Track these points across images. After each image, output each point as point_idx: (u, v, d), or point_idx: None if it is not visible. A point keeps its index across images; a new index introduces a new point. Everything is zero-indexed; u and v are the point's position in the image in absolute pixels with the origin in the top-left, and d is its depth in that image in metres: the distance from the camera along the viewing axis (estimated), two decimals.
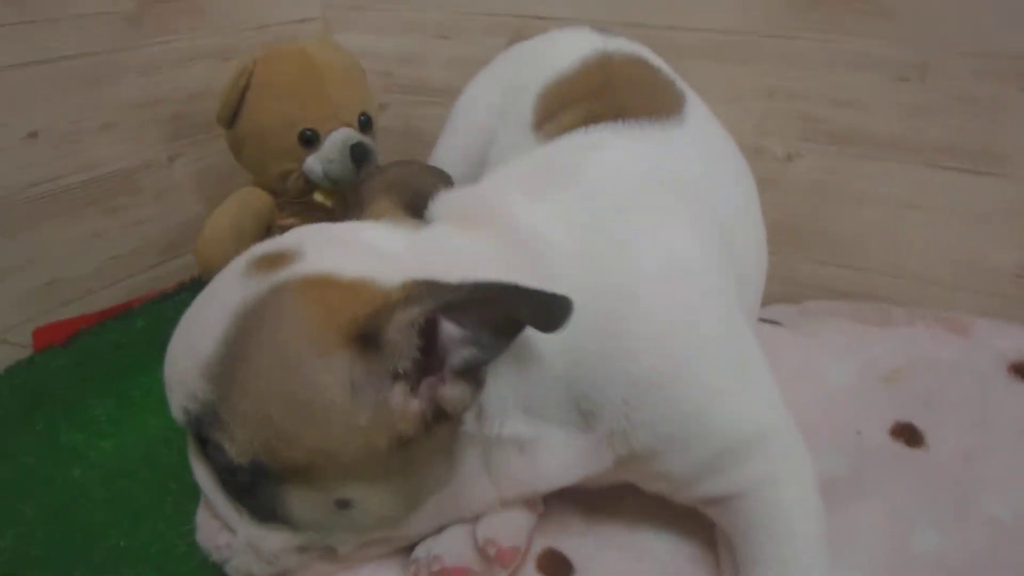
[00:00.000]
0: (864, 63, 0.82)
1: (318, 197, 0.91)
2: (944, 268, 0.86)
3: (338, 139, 0.87)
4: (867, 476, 0.66)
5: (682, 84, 0.72)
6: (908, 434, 0.71)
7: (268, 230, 0.91)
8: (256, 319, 0.45)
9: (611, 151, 0.59)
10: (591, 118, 0.62)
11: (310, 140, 0.87)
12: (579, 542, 0.59)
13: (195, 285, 0.99)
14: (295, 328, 0.45)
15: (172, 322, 0.92)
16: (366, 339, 0.44)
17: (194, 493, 0.70)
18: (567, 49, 0.72)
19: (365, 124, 0.91)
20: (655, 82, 0.70)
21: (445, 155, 0.80)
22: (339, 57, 0.93)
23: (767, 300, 0.92)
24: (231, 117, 0.89)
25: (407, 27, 1.06)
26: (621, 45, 0.73)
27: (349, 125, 0.89)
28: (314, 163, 0.88)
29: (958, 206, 0.83)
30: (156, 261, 0.97)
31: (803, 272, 0.93)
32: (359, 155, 0.86)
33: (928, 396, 0.75)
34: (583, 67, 0.69)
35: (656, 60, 0.73)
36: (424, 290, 0.44)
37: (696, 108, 0.69)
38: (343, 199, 0.90)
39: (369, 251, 0.49)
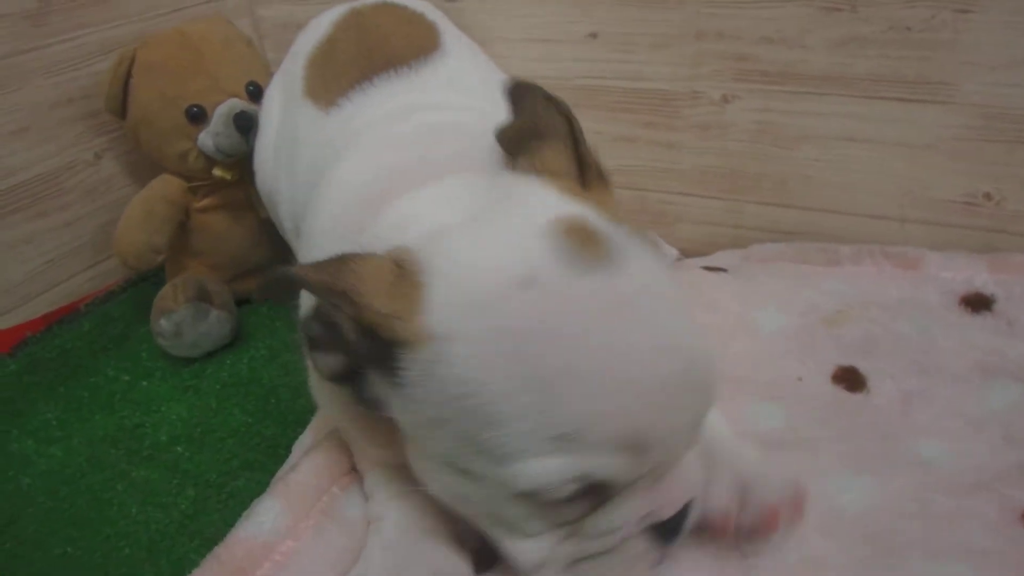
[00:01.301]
0: None
1: (217, 172, 0.89)
2: (891, 202, 0.84)
3: (223, 111, 0.86)
4: (802, 425, 0.65)
5: (432, 13, 0.75)
6: (850, 379, 0.70)
7: (187, 214, 0.90)
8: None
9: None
10: (365, 75, 0.64)
11: (197, 116, 0.86)
12: None
13: (141, 280, 0.99)
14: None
15: (120, 321, 0.94)
16: None
17: (139, 491, 0.71)
18: (321, 20, 0.76)
19: (255, 93, 0.89)
20: (407, 19, 0.73)
21: (265, 159, 0.79)
22: (219, 31, 0.91)
23: (715, 246, 0.90)
24: (119, 107, 0.88)
25: None
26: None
27: (236, 96, 0.88)
28: (205, 139, 0.87)
29: (900, 137, 0.80)
30: (94, 260, 0.95)
31: (750, 216, 0.91)
32: (243, 124, 0.85)
33: (872, 338, 0.73)
34: (336, 27, 0.73)
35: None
36: None
37: (450, 32, 0.72)
38: (247, 172, 0.88)
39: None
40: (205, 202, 0.91)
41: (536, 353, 0.39)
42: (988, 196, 0.80)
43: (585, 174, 0.48)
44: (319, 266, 0.42)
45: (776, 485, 0.50)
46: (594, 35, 0.89)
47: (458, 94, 0.64)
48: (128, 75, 0.86)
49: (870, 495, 0.58)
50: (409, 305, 0.41)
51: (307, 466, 0.63)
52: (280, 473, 0.66)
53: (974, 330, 0.72)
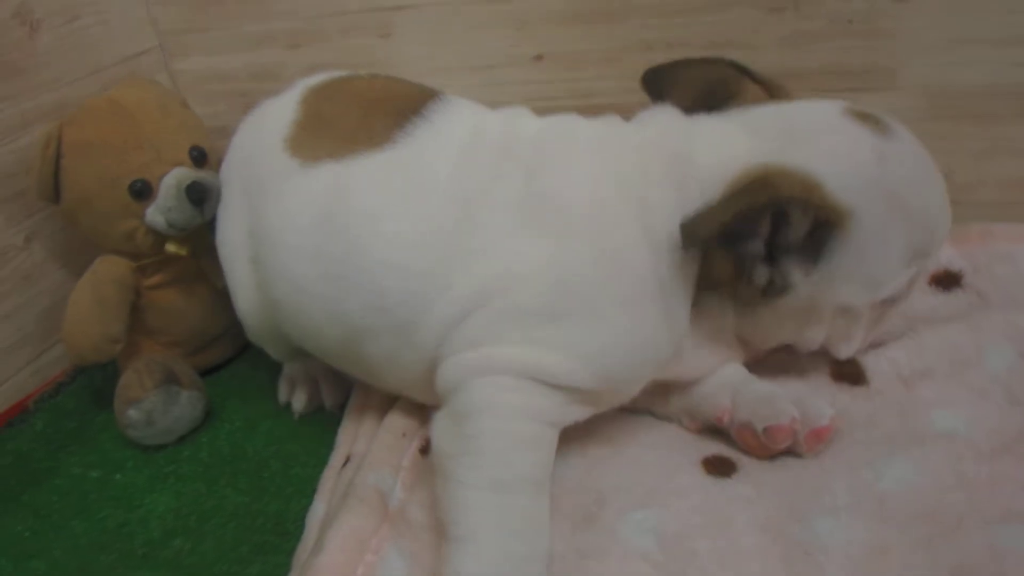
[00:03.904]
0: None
1: (171, 248, 0.82)
2: None
3: (172, 183, 0.79)
4: None
5: None
6: (849, 373, 0.71)
7: (137, 295, 0.84)
8: None
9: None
10: (405, 112, 0.67)
11: (142, 192, 0.79)
12: None
13: (87, 370, 0.91)
14: None
15: (75, 413, 0.86)
16: None
17: None
18: (276, 108, 0.74)
19: (199, 158, 0.83)
20: (391, 77, 0.75)
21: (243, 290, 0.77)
22: (151, 94, 0.84)
23: None
24: (52, 191, 0.81)
25: (254, 41, 0.98)
26: (319, 78, 0.75)
27: (180, 164, 0.81)
28: (155, 215, 0.80)
29: None
30: (37, 352, 0.88)
31: None
32: (196, 195, 0.78)
33: None
34: (308, 103, 0.72)
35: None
36: None
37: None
38: (198, 243, 0.83)
39: None
40: (155, 279, 0.85)
41: (907, 201, 0.59)
42: None
43: (770, 90, 0.66)
44: (757, 189, 0.55)
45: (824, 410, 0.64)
46: (540, 56, 0.89)
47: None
48: (58, 156, 0.79)
49: (907, 475, 0.59)
50: (828, 198, 0.56)
51: (334, 542, 0.59)
52: (302, 554, 0.62)
53: (951, 306, 0.75)
